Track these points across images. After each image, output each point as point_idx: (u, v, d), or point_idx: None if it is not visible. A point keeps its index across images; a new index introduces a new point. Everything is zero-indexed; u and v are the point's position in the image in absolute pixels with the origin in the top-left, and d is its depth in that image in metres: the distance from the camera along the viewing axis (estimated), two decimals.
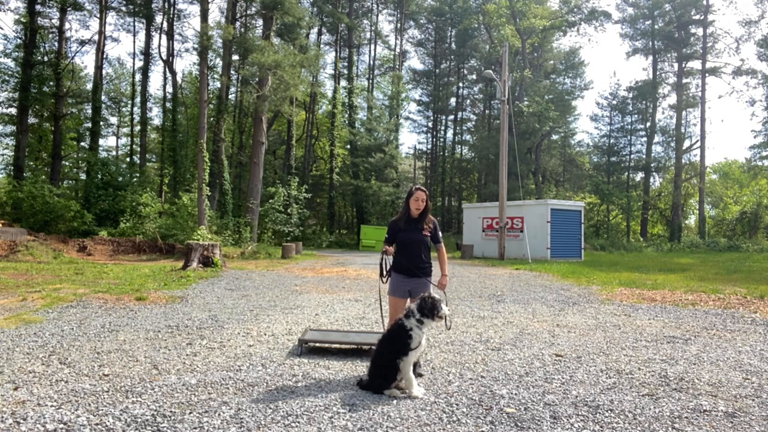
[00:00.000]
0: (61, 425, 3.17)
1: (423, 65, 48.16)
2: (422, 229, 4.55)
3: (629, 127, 43.33)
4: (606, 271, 14.55)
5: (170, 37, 32.37)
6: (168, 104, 34.27)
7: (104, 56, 31.47)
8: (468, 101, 48.70)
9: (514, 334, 6.14)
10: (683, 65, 39.17)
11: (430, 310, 3.89)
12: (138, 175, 30.35)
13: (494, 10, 36.35)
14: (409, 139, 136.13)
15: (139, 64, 34.96)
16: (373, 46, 44.23)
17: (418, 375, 4.25)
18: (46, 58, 27.94)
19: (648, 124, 41.02)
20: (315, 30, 38.96)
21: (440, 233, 4.70)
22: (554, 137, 41.99)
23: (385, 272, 4.61)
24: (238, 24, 28.35)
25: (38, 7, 26.64)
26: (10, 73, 27.57)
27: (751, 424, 3.42)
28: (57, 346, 5.12)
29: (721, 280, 12.70)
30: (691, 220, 46.80)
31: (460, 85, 46.70)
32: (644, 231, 40.59)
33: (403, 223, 4.58)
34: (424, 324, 3.89)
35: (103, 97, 34.27)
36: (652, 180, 42.62)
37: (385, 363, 3.88)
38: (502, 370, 4.63)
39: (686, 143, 40.28)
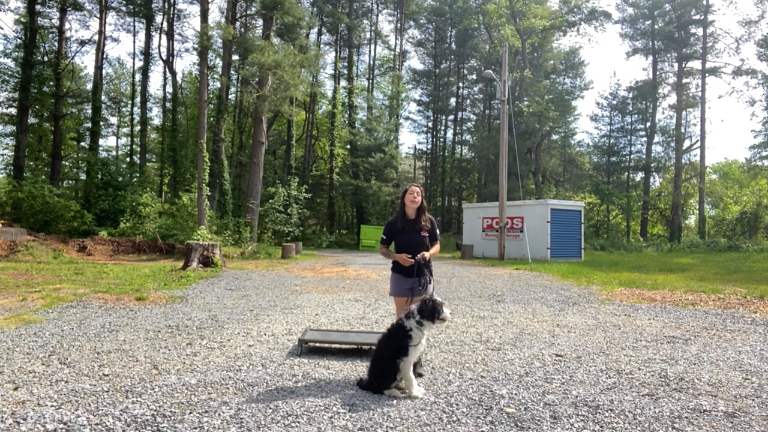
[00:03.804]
0: (61, 425, 3.17)
1: (423, 65, 48.22)
2: (420, 229, 4.55)
3: (629, 127, 43.28)
4: (606, 271, 14.54)
5: (170, 37, 32.38)
6: (168, 104, 34.30)
7: (104, 56, 31.50)
8: (468, 101, 48.72)
9: (514, 334, 6.14)
10: (683, 65, 39.15)
11: (430, 312, 3.88)
12: (138, 175, 30.34)
13: (494, 10, 36.36)
14: (409, 139, 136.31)
15: (139, 64, 35.05)
16: (373, 46, 44.27)
17: (418, 375, 4.25)
18: (46, 58, 27.94)
19: (648, 124, 40.98)
20: (315, 30, 38.95)
21: (438, 231, 4.69)
22: (554, 137, 41.94)
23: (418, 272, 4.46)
24: (238, 24, 28.35)
25: (38, 7, 26.63)
26: (10, 73, 27.59)
27: (751, 424, 3.41)
28: (57, 346, 5.12)
29: (721, 280, 12.69)
30: (691, 220, 46.78)
31: (460, 85, 46.70)
32: (644, 231, 40.56)
33: (401, 224, 4.58)
34: (425, 326, 3.89)
35: (103, 97, 34.30)
36: (652, 180, 42.60)
37: (385, 363, 3.88)
38: (502, 370, 4.63)
39: (686, 143, 40.28)
